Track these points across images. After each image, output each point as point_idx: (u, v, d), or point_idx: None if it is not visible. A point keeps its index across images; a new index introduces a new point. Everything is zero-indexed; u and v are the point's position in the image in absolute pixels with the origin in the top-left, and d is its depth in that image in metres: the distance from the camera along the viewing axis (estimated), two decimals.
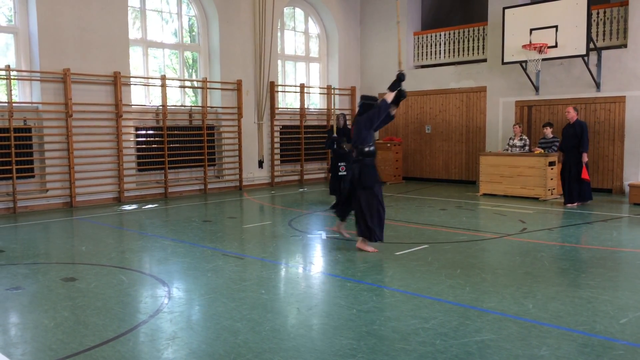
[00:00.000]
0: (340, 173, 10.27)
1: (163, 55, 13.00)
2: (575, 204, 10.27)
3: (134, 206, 10.93)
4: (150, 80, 12.39)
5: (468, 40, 14.51)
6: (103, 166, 11.32)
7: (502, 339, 3.97)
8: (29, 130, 10.37)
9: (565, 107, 12.63)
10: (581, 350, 3.77)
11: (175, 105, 12.87)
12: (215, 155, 13.44)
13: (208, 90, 13.22)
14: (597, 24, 12.08)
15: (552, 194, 11.24)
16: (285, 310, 4.73)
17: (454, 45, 14.79)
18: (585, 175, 10.20)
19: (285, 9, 15.09)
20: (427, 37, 15.33)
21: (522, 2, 12.79)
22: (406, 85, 16.11)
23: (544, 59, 11.85)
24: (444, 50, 14.99)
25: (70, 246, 7.40)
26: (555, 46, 11.59)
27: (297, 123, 15.12)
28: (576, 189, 10.26)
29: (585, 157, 10.22)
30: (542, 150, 11.42)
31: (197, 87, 13.34)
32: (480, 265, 6.11)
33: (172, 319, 4.48)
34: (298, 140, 15.10)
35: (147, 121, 12.18)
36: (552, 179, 11.19)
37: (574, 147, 10.26)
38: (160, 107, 12.20)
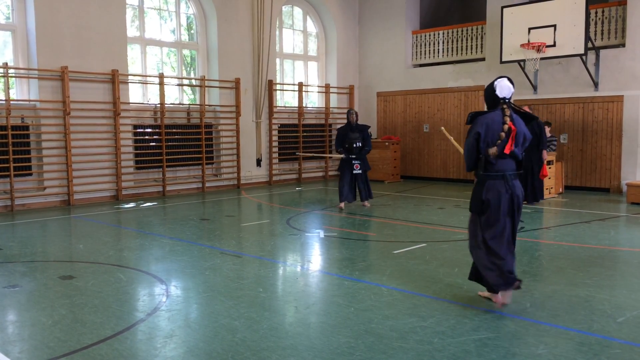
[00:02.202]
0: (355, 171, 9.85)
1: (161, 53, 12.98)
2: (538, 202, 10.49)
3: (131, 204, 10.92)
4: (148, 79, 12.37)
5: (466, 39, 14.51)
6: (101, 164, 11.30)
7: (500, 338, 3.98)
8: (26, 128, 10.35)
9: (563, 107, 12.68)
10: (578, 349, 3.78)
11: (173, 104, 12.86)
12: (214, 154, 13.43)
13: (206, 88, 13.21)
14: (596, 24, 12.09)
15: (550, 193, 11.25)
16: (283, 309, 4.73)
17: (452, 44, 14.79)
18: (545, 172, 10.35)
19: (283, 7, 15.08)
20: (425, 35, 15.33)
21: (521, 1, 12.79)
22: (404, 84, 16.16)
23: (542, 58, 11.85)
24: (443, 49, 14.99)
25: (68, 244, 7.39)
26: (554, 45, 11.60)
27: (295, 122, 15.11)
28: (539, 187, 10.45)
29: (545, 155, 10.35)
30: None
31: (195, 86, 13.32)
32: None
33: (169, 317, 4.47)
34: (296, 138, 15.09)
35: (145, 119, 12.16)
36: (549, 178, 11.20)
37: (534, 145, 10.23)
38: (158, 105, 12.18)
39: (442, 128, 6.59)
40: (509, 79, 4.69)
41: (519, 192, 4.66)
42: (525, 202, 10.36)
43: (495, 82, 4.71)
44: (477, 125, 4.67)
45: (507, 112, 4.59)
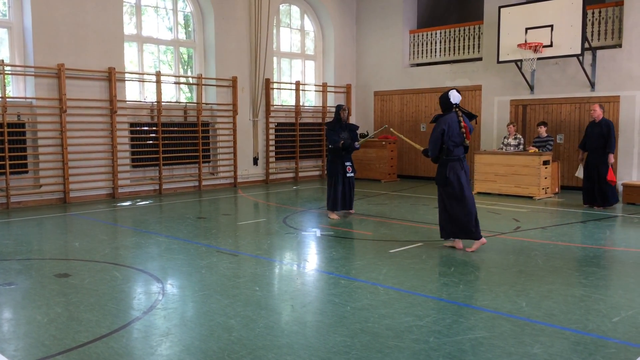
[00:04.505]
0: (348, 174, 8.94)
1: (158, 51, 12.95)
2: (612, 206, 9.90)
3: (128, 202, 10.90)
4: (145, 76, 12.34)
5: (464, 39, 14.53)
6: (97, 162, 11.28)
7: (496, 337, 3.99)
8: (22, 125, 10.32)
9: (560, 107, 12.71)
10: (574, 349, 3.79)
11: (170, 102, 12.84)
12: (210, 152, 13.42)
13: (203, 86, 13.19)
14: (592, 24, 12.12)
15: (546, 193, 11.28)
16: (279, 307, 4.73)
17: (449, 44, 14.81)
18: (611, 176, 9.77)
19: (281, 6, 15.07)
20: (423, 35, 15.34)
21: (518, 1, 12.81)
22: (401, 84, 16.18)
23: (539, 58, 11.88)
24: (440, 48, 15.01)
25: (64, 242, 7.37)
26: (551, 45, 11.63)
27: (292, 120, 15.11)
28: (609, 190, 9.81)
29: (611, 158, 9.80)
30: (537, 149, 11.46)
31: (192, 84, 13.30)
32: (474, 263, 6.12)
33: (165, 315, 4.47)
34: (293, 137, 15.08)
35: (142, 117, 12.14)
36: (546, 178, 11.23)
37: (600, 147, 9.79)
38: (155, 103, 12.16)
39: (388, 126, 8.64)
40: (457, 90, 6.57)
41: (467, 169, 6.65)
42: (588, 205, 10.01)
43: (449, 93, 6.53)
44: (442, 123, 6.49)
45: (459, 113, 6.50)
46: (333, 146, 8.89)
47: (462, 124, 6.44)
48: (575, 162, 12.33)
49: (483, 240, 6.62)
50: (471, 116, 6.69)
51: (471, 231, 6.56)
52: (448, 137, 6.45)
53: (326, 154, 15.75)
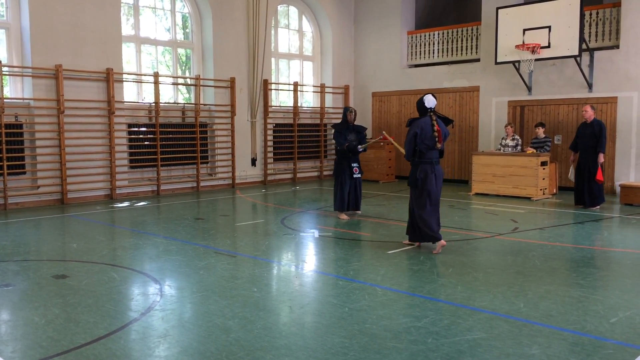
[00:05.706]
0: (355, 175, 9.03)
1: (156, 52, 12.94)
2: (597, 206, 9.96)
3: (125, 203, 10.89)
4: (143, 77, 12.33)
5: (461, 40, 14.54)
6: (95, 163, 11.26)
7: (493, 338, 3.99)
8: (20, 126, 10.31)
9: (557, 108, 12.72)
10: (571, 349, 3.80)
11: (168, 103, 12.82)
12: (208, 153, 13.41)
13: (201, 87, 13.18)
14: (590, 25, 12.14)
15: (543, 194, 11.30)
16: (277, 309, 4.73)
17: (447, 45, 14.82)
18: (600, 176, 9.84)
19: (279, 6, 15.07)
20: (420, 36, 15.35)
21: (516, 2, 12.83)
22: (399, 85, 16.19)
23: (536, 59, 11.89)
24: (438, 49, 15.02)
25: (62, 243, 7.36)
26: (548, 46, 11.64)
27: (291, 121, 15.11)
28: (597, 190, 9.90)
29: (602, 158, 9.87)
30: (534, 150, 11.48)
31: (190, 85, 13.29)
32: (472, 264, 6.13)
33: (163, 316, 4.46)
34: (291, 138, 15.08)
35: (140, 118, 12.13)
36: (544, 179, 11.25)
37: (592, 147, 9.89)
38: (153, 104, 12.15)
39: (384, 132, 9.22)
40: (433, 95, 6.70)
41: (439, 173, 6.72)
42: (582, 206, 10.07)
43: (424, 97, 6.67)
44: (415, 127, 6.63)
45: (434, 117, 6.62)
46: (339, 148, 9.02)
47: (436, 127, 6.53)
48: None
49: (443, 242, 6.68)
50: (447, 121, 6.81)
51: (434, 232, 6.64)
52: (421, 140, 6.57)
53: (325, 154, 15.83)
